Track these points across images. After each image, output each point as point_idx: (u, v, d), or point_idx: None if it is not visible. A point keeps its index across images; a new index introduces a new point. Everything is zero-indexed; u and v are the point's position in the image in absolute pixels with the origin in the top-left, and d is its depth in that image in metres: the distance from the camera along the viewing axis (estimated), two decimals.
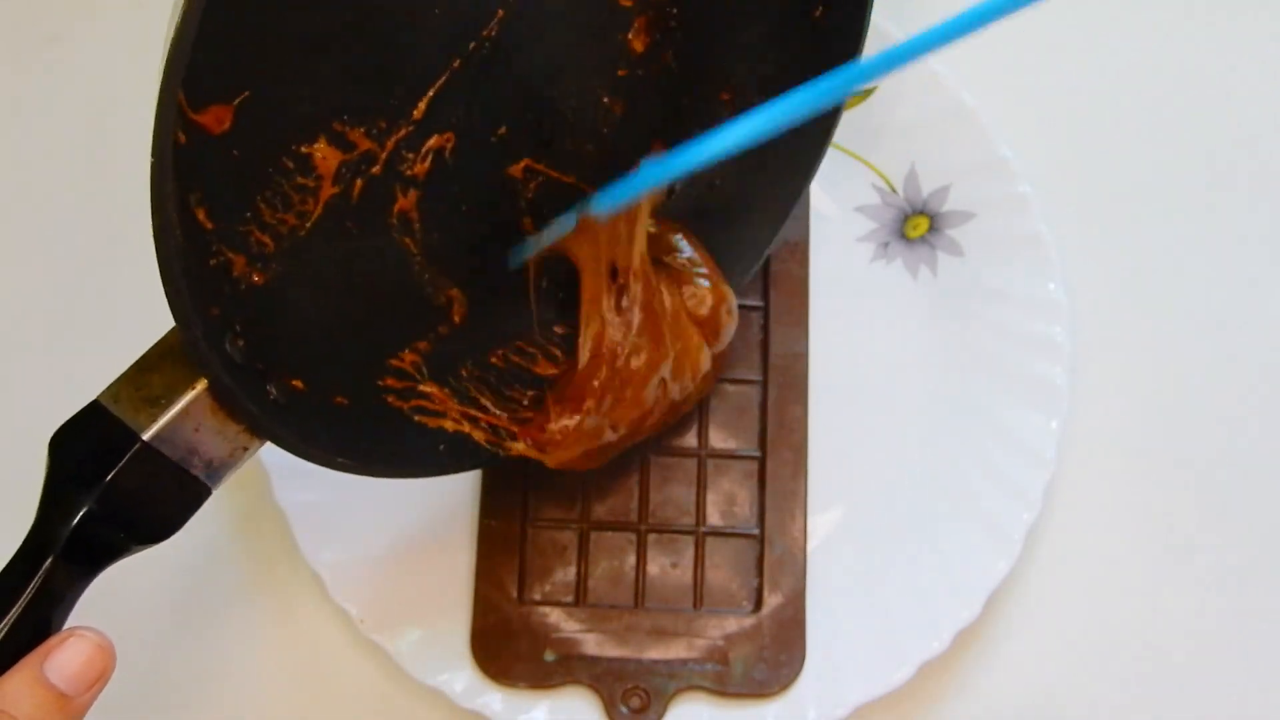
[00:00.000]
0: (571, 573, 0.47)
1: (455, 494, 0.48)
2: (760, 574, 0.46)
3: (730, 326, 0.47)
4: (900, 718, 0.46)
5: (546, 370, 0.45)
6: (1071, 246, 0.51)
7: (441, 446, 0.42)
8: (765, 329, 0.49)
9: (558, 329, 0.46)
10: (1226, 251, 0.52)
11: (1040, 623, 0.47)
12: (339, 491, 0.47)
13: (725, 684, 0.45)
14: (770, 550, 0.46)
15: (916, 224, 0.51)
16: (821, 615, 0.46)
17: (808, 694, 0.45)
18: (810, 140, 0.45)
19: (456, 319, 0.43)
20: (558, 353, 0.45)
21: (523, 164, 0.43)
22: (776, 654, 0.45)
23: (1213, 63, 0.55)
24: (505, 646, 0.45)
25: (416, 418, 0.42)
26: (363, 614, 0.45)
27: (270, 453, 0.46)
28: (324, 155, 0.37)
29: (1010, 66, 0.55)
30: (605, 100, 0.44)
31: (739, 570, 0.47)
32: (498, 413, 0.43)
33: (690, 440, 0.48)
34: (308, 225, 0.38)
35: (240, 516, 0.48)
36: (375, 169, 0.39)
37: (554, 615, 0.46)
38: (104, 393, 0.35)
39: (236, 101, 0.34)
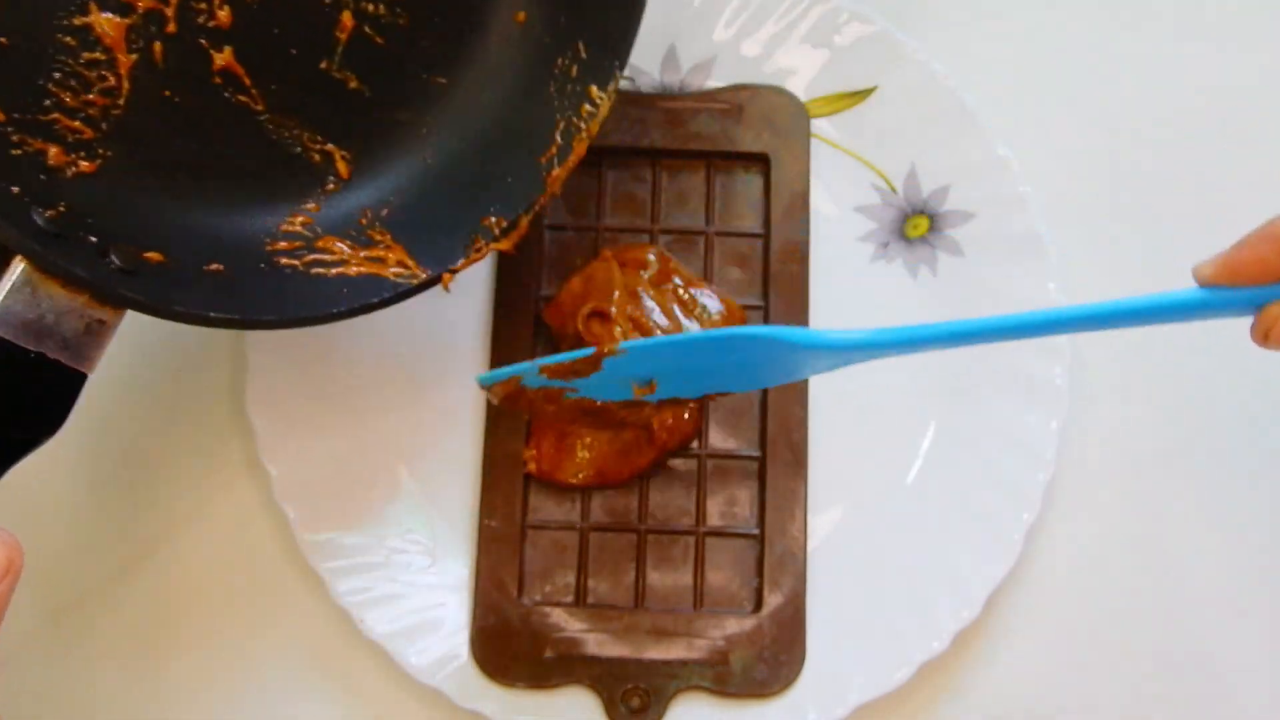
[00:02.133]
0: (572, 573, 0.47)
1: (456, 494, 0.48)
2: (760, 574, 0.46)
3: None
4: (900, 718, 0.46)
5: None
6: (1071, 246, 0.51)
7: (345, 290, 0.40)
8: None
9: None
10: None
11: (1040, 623, 0.47)
12: (340, 492, 0.47)
13: (725, 684, 0.45)
14: (770, 550, 0.46)
15: (916, 224, 0.51)
16: (821, 615, 0.46)
17: (808, 694, 0.45)
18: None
19: (345, 173, 0.42)
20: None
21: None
22: (776, 654, 0.45)
23: (1213, 62, 0.55)
24: (505, 646, 0.45)
25: (314, 271, 0.40)
26: (362, 614, 0.45)
27: (270, 452, 0.46)
28: (102, 24, 0.36)
29: (1010, 66, 0.55)
30: None
31: (739, 571, 0.47)
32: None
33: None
34: (121, 103, 0.36)
35: (240, 516, 0.48)
36: (169, 28, 0.37)
37: (554, 615, 0.46)
38: None
39: None
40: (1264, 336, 0.35)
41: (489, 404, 0.48)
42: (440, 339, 0.50)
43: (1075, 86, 0.54)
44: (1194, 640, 0.47)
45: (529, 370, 0.42)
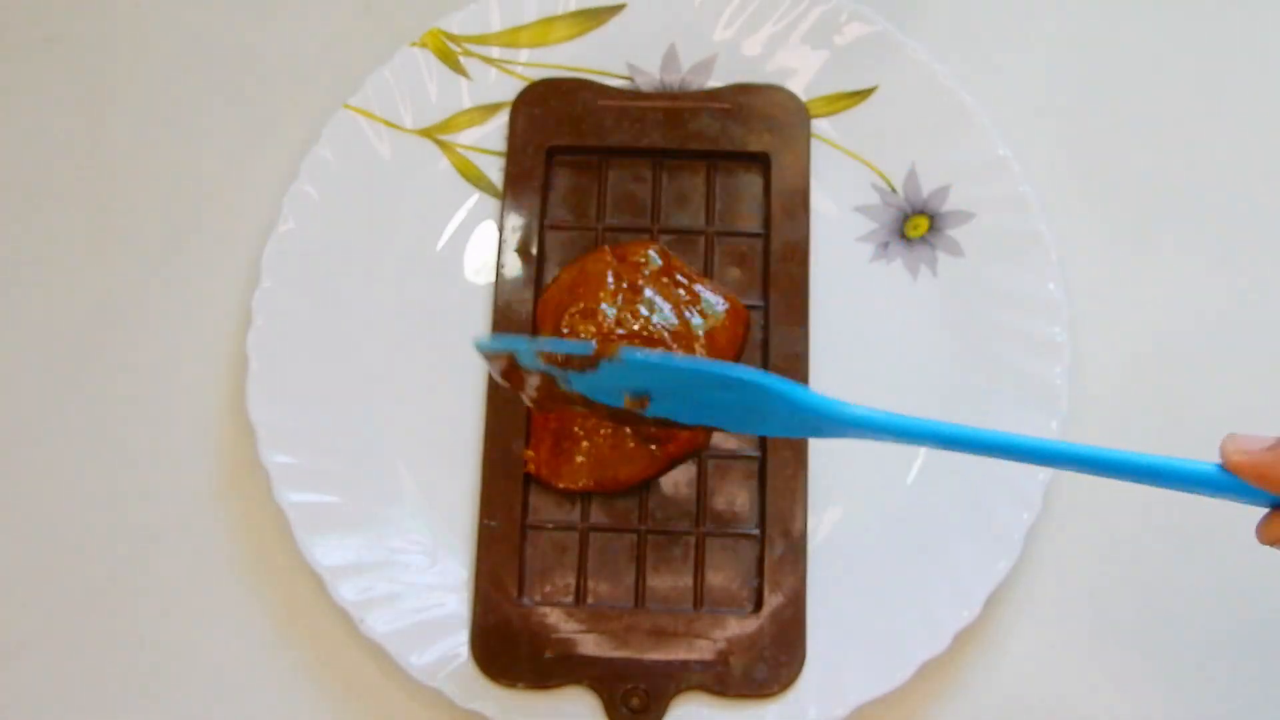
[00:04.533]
0: (572, 573, 0.47)
1: (456, 494, 0.48)
2: (761, 574, 0.46)
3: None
4: (900, 718, 0.46)
5: None
6: (1071, 246, 0.51)
7: None
8: (765, 329, 0.49)
9: None
10: (1226, 251, 0.52)
11: (1040, 623, 0.47)
12: (339, 491, 0.47)
13: (725, 684, 0.45)
14: (771, 550, 0.46)
15: (916, 224, 0.51)
16: (821, 615, 0.46)
17: (808, 694, 0.45)
18: None
19: None
20: None
21: None
22: (776, 654, 0.45)
23: (1212, 62, 0.55)
24: (505, 646, 0.45)
25: None
26: (362, 614, 0.45)
27: (270, 452, 0.46)
28: None
29: (1010, 66, 0.55)
30: None
31: (739, 571, 0.47)
32: None
33: None
34: None
35: (240, 516, 0.48)
36: None
37: (554, 615, 0.46)
38: None
39: None
40: (1270, 539, 0.34)
41: (489, 403, 0.48)
42: (441, 340, 0.50)
43: (1075, 86, 0.54)
44: (1193, 640, 0.47)
45: (525, 350, 0.40)
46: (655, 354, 0.41)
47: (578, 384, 0.40)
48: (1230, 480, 0.35)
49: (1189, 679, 0.47)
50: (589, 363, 0.39)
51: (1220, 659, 0.47)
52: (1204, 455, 0.49)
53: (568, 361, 0.40)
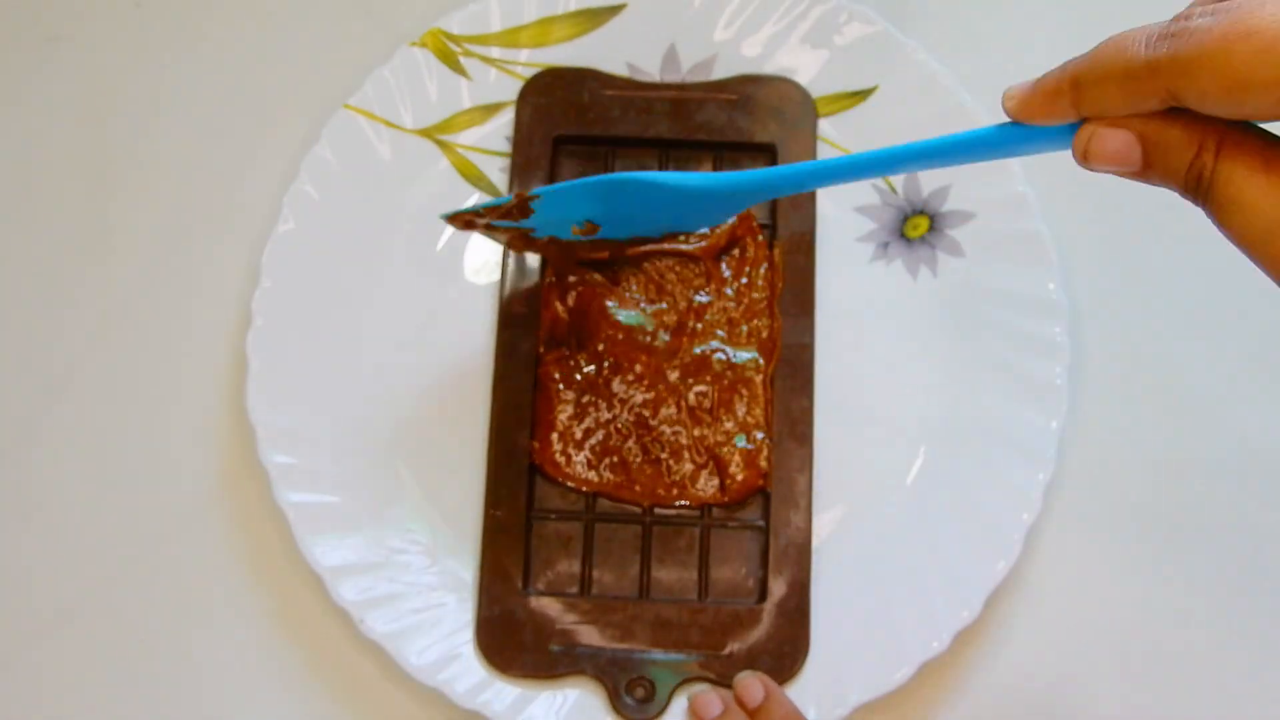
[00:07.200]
0: (576, 564, 0.47)
1: (456, 493, 0.48)
2: (765, 566, 0.46)
3: None
4: (900, 718, 0.46)
5: None
6: (1071, 246, 0.51)
7: None
8: (771, 319, 0.49)
9: None
10: (1226, 250, 0.52)
11: (1040, 623, 0.47)
12: (339, 491, 0.47)
13: (729, 675, 0.45)
14: (776, 542, 0.46)
15: (916, 224, 0.51)
16: (822, 615, 0.46)
17: (808, 692, 0.45)
18: None
19: None
20: None
21: None
22: (780, 645, 0.45)
23: None
24: (510, 637, 0.45)
25: None
26: (362, 614, 0.45)
27: (270, 452, 0.46)
28: None
29: (1010, 66, 0.54)
30: None
31: (744, 562, 0.47)
32: None
33: None
34: None
35: (240, 516, 0.48)
36: None
37: (559, 606, 0.46)
38: None
39: None
40: (1084, 156, 0.35)
41: (495, 395, 0.48)
42: (440, 340, 0.50)
43: None
44: (1194, 639, 0.47)
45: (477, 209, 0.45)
46: (558, 184, 0.45)
47: (538, 228, 0.46)
48: (1016, 130, 0.37)
49: (1188, 679, 0.47)
50: (521, 209, 0.45)
51: (1219, 658, 0.47)
52: (1206, 454, 0.49)
53: (507, 213, 0.45)
